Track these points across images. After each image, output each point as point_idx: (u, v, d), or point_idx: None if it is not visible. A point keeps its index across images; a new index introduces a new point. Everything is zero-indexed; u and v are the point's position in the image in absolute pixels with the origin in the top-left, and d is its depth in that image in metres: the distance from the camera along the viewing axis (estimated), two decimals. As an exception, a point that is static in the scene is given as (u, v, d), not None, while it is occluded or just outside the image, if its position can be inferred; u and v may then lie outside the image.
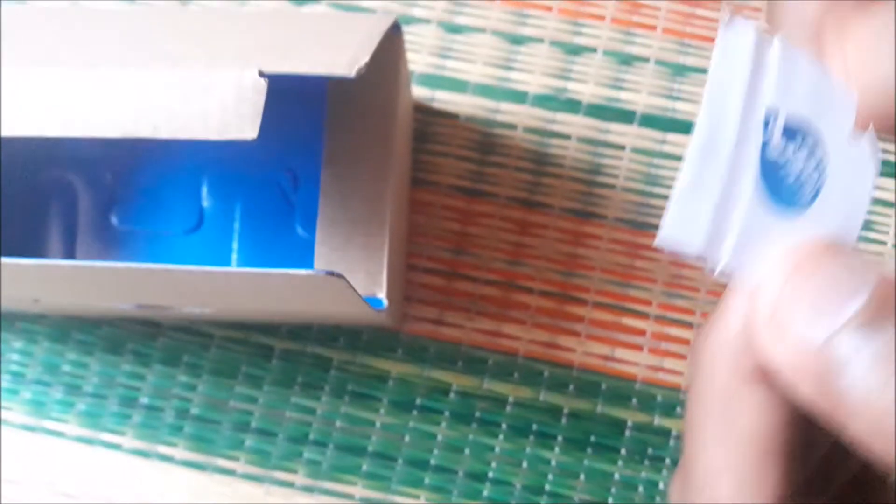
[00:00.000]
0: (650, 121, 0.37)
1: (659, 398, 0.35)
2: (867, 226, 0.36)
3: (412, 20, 0.38)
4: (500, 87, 0.37)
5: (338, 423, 0.35)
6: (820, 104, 0.18)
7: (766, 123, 0.18)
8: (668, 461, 0.35)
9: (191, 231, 0.34)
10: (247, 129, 0.21)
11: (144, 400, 0.35)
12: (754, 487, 0.18)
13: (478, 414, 0.35)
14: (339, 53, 0.24)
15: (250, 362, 0.35)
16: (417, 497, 0.34)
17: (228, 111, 0.22)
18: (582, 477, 0.35)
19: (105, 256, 0.34)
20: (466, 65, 0.38)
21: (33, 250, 0.34)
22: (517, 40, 0.38)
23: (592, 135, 0.37)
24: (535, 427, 0.35)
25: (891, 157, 0.37)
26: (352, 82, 0.23)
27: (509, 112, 0.37)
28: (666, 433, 0.35)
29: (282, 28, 0.29)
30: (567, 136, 0.37)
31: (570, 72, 0.38)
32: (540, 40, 0.38)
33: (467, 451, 0.35)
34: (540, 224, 0.36)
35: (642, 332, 0.36)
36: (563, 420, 0.35)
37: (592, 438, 0.35)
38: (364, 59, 0.23)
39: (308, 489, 0.34)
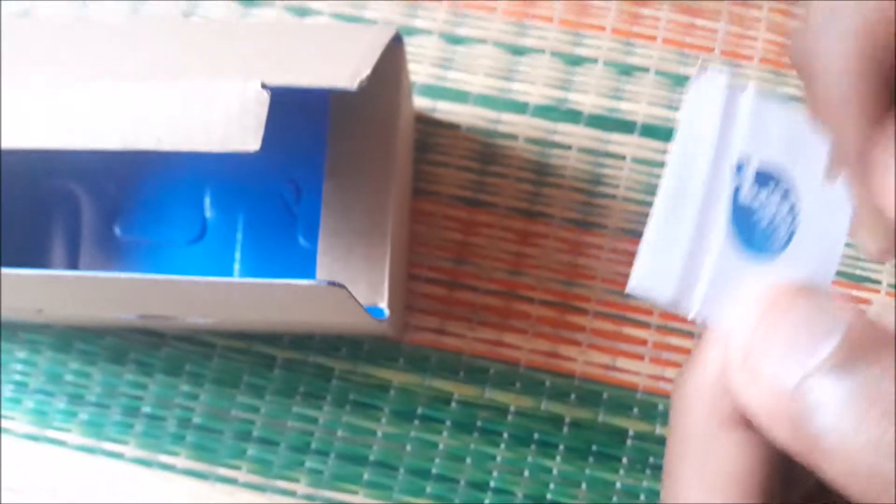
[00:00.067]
0: (651, 131, 0.37)
1: (660, 407, 0.35)
2: (868, 235, 0.36)
3: (414, 31, 0.38)
4: (501, 97, 0.38)
5: (339, 433, 0.35)
6: (793, 150, 0.18)
7: (740, 170, 0.18)
8: (669, 470, 0.35)
9: (194, 241, 0.34)
10: (249, 141, 0.22)
11: (147, 409, 0.35)
12: None
13: (479, 423, 0.35)
14: (341, 65, 0.24)
15: (252, 372, 0.36)
16: (419, 506, 0.34)
17: (231, 123, 0.22)
18: (583, 486, 0.35)
19: (108, 267, 0.34)
20: (468, 75, 0.38)
21: (37, 260, 0.34)
22: (518, 51, 0.38)
23: (593, 145, 0.37)
24: (536, 436, 0.35)
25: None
26: (354, 94, 0.23)
27: (510, 122, 0.37)
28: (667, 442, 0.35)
29: (284, 40, 0.29)
30: (568, 147, 0.37)
31: (571, 82, 0.38)
32: (541, 51, 0.38)
33: (469, 460, 0.35)
34: (541, 234, 0.36)
35: (644, 342, 0.36)
36: (565, 429, 0.35)
37: (594, 447, 0.35)
38: (366, 71, 0.23)
39: (310, 498, 0.35)
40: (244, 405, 0.35)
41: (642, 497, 0.34)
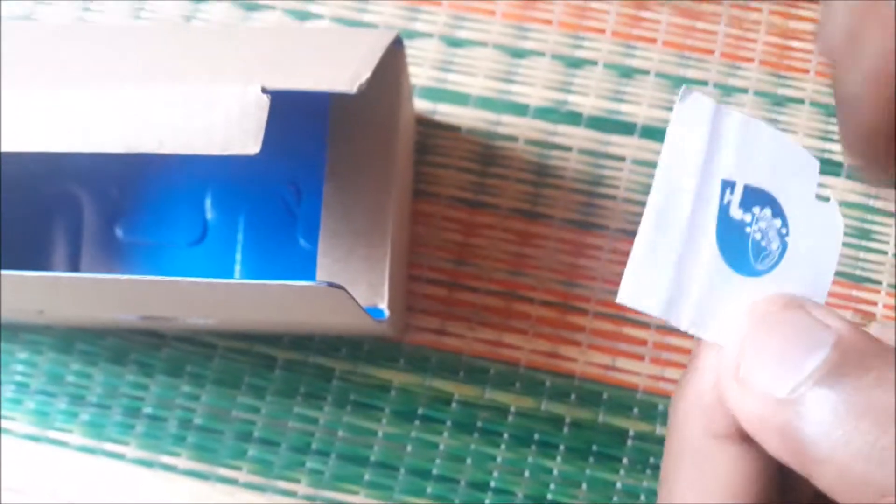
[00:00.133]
0: (651, 132, 0.37)
1: (660, 407, 0.35)
2: (868, 235, 0.36)
3: (414, 34, 0.38)
4: (501, 99, 0.38)
5: (340, 433, 0.35)
6: (781, 169, 0.18)
7: (728, 186, 0.18)
8: (668, 471, 0.35)
9: (195, 243, 0.34)
10: (250, 144, 0.22)
11: (148, 410, 0.36)
12: None
13: (480, 423, 0.35)
14: (342, 69, 0.24)
15: (253, 373, 0.36)
16: (419, 507, 0.35)
17: (232, 126, 0.22)
18: (584, 486, 0.35)
19: (109, 268, 0.34)
20: (468, 78, 0.38)
21: (38, 261, 0.34)
22: (518, 54, 0.38)
23: (593, 146, 0.37)
24: (536, 436, 0.35)
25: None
26: (354, 96, 0.23)
27: (510, 124, 0.38)
28: (667, 443, 0.35)
29: (285, 44, 0.29)
30: (568, 148, 0.37)
31: (571, 84, 0.38)
32: (541, 53, 0.38)
33: (469, 460, 0.35)
34: (541, 235, 0.37)
35: (643, 342, 0.36)
36: (565, 429, 0.35)
37: (594, 448, 0.35)
38: (365, 74, 0.23)
39: (310, 498, 0.35)
40: (245, 406, 0.35)
41: (643, 497, 0.34)
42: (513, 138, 0.37)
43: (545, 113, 0.38)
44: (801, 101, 0.38)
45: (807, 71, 0.38)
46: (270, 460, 0.35)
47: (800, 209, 0.18)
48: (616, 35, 0.38)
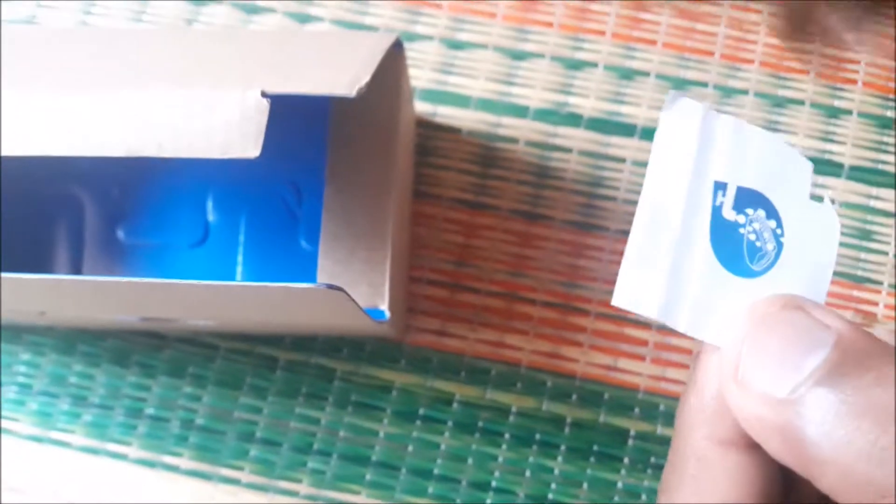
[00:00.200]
0: (651, 134, 0.37)
1: (661, 407, 0.35)
2: (868, 236, 0.36)
3: (415, 37, 0.38)
4: (501, 101, 0.38)
5: (341, 434, 0.35)
6: (774, 171, 0.18)
7: (723, 189, 0.18)
8: (669, 471, 0.35)
9: (196, 245, 0.34)
10: (250, 147, 0.22)
11: (150, 411, 0.36)
12: None
13: (481, 424, 0.35)
14: (342, 72, 0.24)
15: (255, 373, 0.36)
16: (420, 507, 0.35)
17: (232, 130, 0.22)
18: (585, 486, 0.35)
19: (111, 270, 0.34)
20: (468, 80, 0.38)
21: (40, 263, 0.34)
22: (518, 56, 0.38)
23: (593, 148, 0.37)
24: (538, 436, 0.35)
25: (891, 169, 0.37)
26: (354, 99, 0.23)
27: (511, 126, 0.38)
28: (668, 442, 0.35)
29: (285, 47, 0.29)
30: (568, 150, 0.37)
31: (571, 86, 0.38)
32: (541, 55, 0.38)
33: (470, 460, 0.35)
34: (542, 236, 0.37)
35: (644, 343, 0.36)
36: (566, 429, 0.35)
37: (595, 448, 0.35)
38: (365, 78, 0.23)
39: (312, 498, 0.35)
40: (247, 406, 0.36)
41: (643, 497, 0.35)
42: (513, 140, 0.37)
43: (545, 115, 0.38)
44: (801, 103, 0.38)
45: (807, 72, 0.38)
46: (272, 460, 0.35)
47: (794, 210, 0.18)
48: (616, 37, 0.38)
